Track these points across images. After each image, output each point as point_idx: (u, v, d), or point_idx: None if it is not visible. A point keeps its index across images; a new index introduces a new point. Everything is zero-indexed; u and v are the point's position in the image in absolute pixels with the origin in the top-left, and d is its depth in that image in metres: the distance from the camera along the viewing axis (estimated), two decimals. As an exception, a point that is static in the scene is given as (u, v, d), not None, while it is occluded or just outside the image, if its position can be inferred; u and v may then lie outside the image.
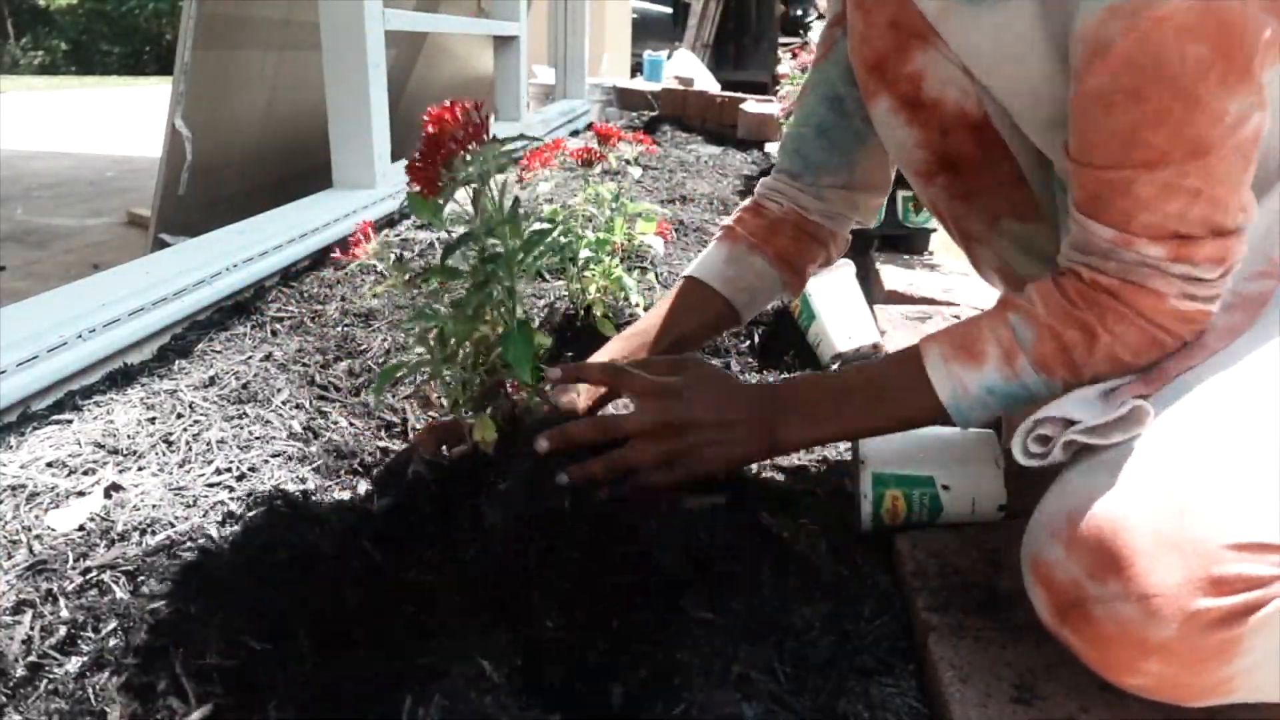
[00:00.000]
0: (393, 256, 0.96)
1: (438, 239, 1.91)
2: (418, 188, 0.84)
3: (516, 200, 0.90)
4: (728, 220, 1.18)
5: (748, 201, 1.18)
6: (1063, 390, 0.76)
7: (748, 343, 1.48)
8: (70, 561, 0.82)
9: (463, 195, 0.88)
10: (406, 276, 0.96)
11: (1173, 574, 0.57)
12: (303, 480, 0.99)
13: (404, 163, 0.85)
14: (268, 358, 1.28)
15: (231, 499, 0.94)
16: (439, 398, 1.08)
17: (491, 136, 0.84)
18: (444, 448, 0.97)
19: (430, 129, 0.81)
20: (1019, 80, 0.80)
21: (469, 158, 0.83)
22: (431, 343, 0.92)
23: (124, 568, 0.81)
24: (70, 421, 1.08)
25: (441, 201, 0.86)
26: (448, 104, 0.82)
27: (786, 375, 1.31)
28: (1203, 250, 0.69)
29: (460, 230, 0.88)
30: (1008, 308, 0.80)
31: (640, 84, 5.08)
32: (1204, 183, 0.68)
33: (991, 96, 0.84)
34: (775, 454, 0.92)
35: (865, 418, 0.87)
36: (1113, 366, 0.75)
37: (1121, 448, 0.67)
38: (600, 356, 1.05)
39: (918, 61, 0.87)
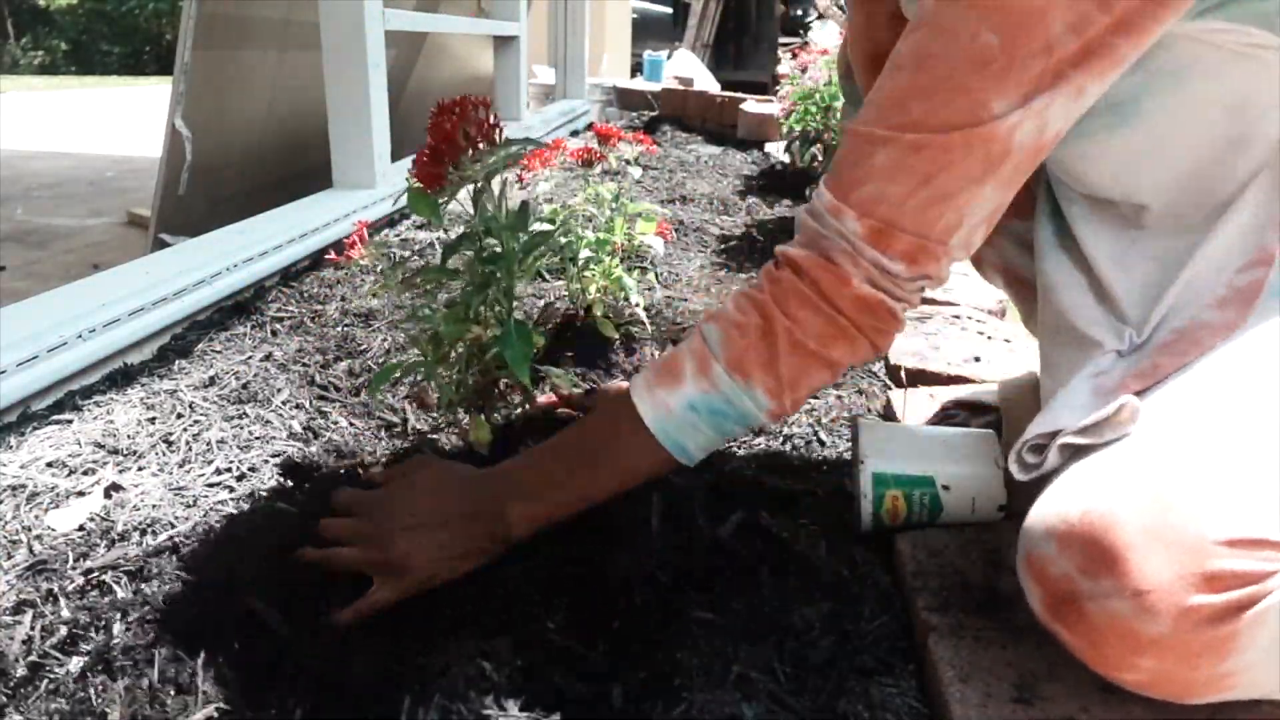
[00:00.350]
0: (388, 260, 0.96)
1: (437, 239, 1.91)
2: (419, 184, 0.84)
3: (525, 204, 0.90)
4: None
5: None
6: (769, 401, 0.74)
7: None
8: (70, 561, 0.82)
9: (463, 195, 0.88)
10: (401, 278, 0.96)
11: (1165, 570, 0.56)
12: (303, 481, 0.99)
13: (404, 163, 0.85)
14: (268, 358, 1.28)
15: (231, 499, 0.94)
16: (437, 398, 1.08)
17: (504, 138, 0.84)
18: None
19: (443, 124, 0.81)
20: None
21: (477, 157, 0.83)
22: (426, 344, 0.93)
23: (125, 568, 0.81)
24: (70, 421, 1.08)
25: (443, 200, 0.86)
26: (457, 100, 0.82)
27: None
28: (900, 243, 0.68)
29: (459, 230, 0.88)
30: (704, 320, 0.78)
31: (640, 84, 5.08)
32: (936, 171, 0.66)
33: None
34: (509, 542, 0.81)
35: (592, 474, 0.80)
36: (804, 360, 0.73)
37: (1114, 445, 0.66)
38: None
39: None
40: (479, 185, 0.86)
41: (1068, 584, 0.61)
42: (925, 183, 0.66)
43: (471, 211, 0.90)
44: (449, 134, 0.81)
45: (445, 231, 0.89)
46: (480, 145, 0.82)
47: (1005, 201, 0.70)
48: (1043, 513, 0.65)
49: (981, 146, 0.65)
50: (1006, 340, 1.49)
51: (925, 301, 1.67)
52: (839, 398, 1.26)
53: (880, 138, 0.68)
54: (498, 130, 0.84)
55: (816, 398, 1.26)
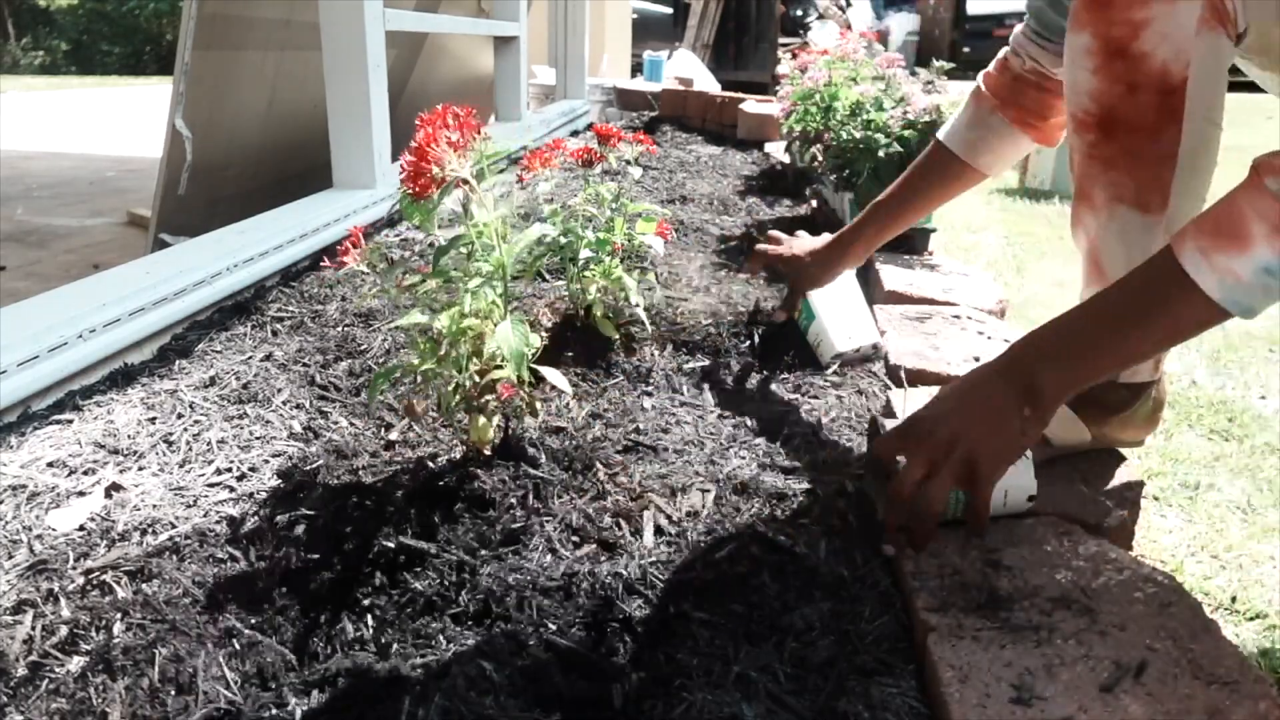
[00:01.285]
0: (383, 264, 0.96)
1: (434, 239, 1.91)
2: (411, 190, 0.85)
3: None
4: (979, 77, 1.20)
5: (1000, 54, 1.19)
6: None
7: (748, 343, 1.48)
8: (71, 561, 0.82)
9: (459, 196, 0.89)
10: (396, 280, 0.96)
11: None
12: (301, 484, 0.99)
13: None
14: (268, 358, 1.28)
15: (232, 499, 0.94)
16: (427, 406, 1.08)
17: (485, 142, 0.85)
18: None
19: (423, 134, 0.82)
20: None
21: (457, 163, 0.84)
22: (422, 346, 0.93)
23: (125, 568, 0.81)
24: (71, 421, 1.08)
25: (432, 205, 0.86)
26: (437, 111, 0.83)
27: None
28: None
29: (455, 232, 0.89)
30: (1265, 173, 0.69)
31: (640, 84, 5.08)
32: None
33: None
34: (1044, 411, 0.80)
35: (1129, 341, 0.77)
36: None
37: None
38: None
39: (1151, 9, 0.85)
40: (468, 189, 0.87)
41: None
42: None
43: (462, 214, 0.91)
44: (425, 144, 0.82)
45: (434, 236, 0.90)
46: (460, 151, 0.83)
47: None
48: None
49: None
50: (1006, 341, 1.49)
51: (926, 301, 1.67)
52: (839, 398, 1.26)
53: None
54: (478, 135, 0.85)
55: (816, 398, 1.26)
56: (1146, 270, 0.77)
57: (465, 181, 0.86)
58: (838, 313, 1.42)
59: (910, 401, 1.21)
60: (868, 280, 1.80)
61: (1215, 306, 0.71)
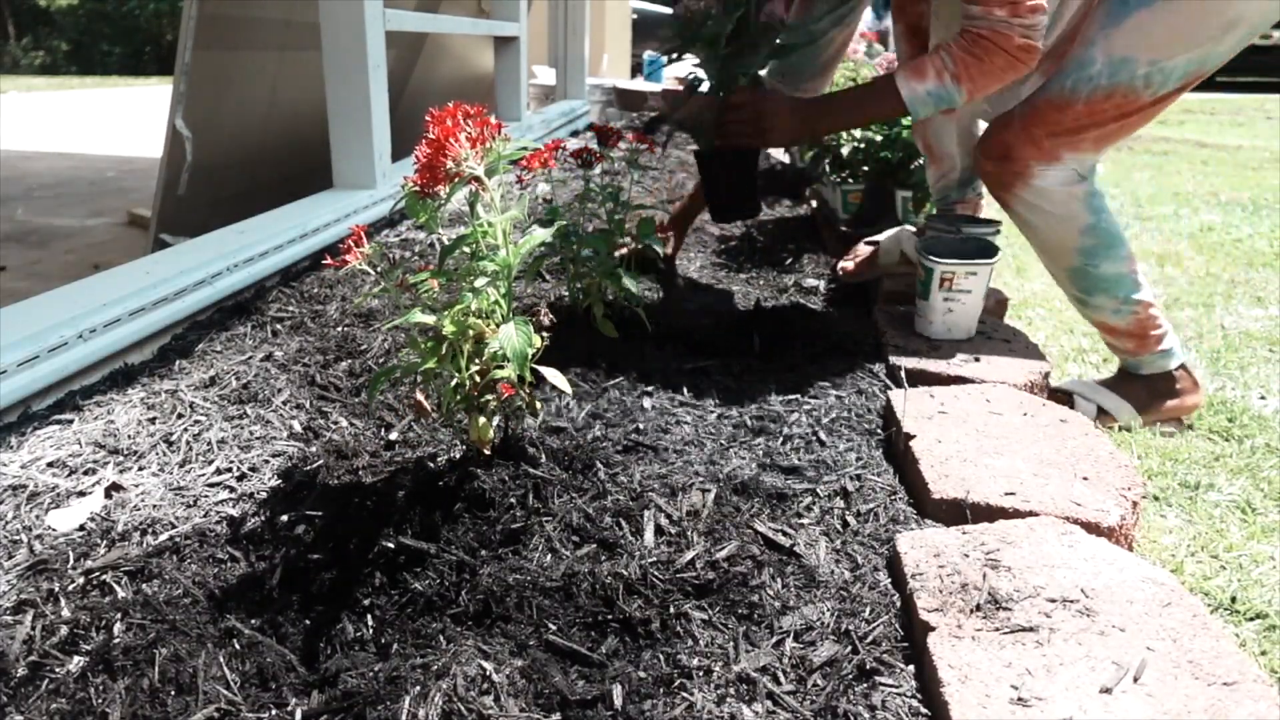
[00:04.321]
0: (385, 264, 0.96)
1: (437, 239, 1.91)
2: (416, 188, 0.85)
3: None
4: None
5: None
6: (965, 97, 1.42)
7: (748, 343, 1.48)
8: (71, 561, 0.82)
9: (462, 196, 0.88)
10: (399, 279, 0.96)
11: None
12: (301, 485, 0.99)
13: (405, 162, 0.85)
14: (268, 358, 1.28)
15: (232, 499, 0.94)
16: (433, 404, 1.08)
17: (503, 139, 0.85)
18: None
19: (438, 129, 0.82)
20: None
21: (470, 160, 0.83)
22: (424, 345, 0.93)
23: (125, 568, 0.81)
24: (71, 421, 1.08)
25: (438, 203, 0.86)
26: (449, 109, 0.82)
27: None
28: (1024, 6, 1.34)
29: (459, 231, 0.89)
30: (939, 50, 1.42)
31: (640, 84, 5.08)
32: None
33: None
34: (814, 134, 1.61)
35: (855, 113, 1.57)
36: (989, 80, 1.40)
37: None
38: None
39: None
40: (475, 188, 0.87)
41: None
42: None
43: (469, 212, 0.90)
44: (443, 137, 0.82)
45: (438, 236, 0.90)
46: (477, 148, 0.83)
47: None
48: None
49: None
50: (1006, 341, 1.49)
51: (925, 302, 1.67)
52: (839, 398, 1.26)
53: None
54: (498, 134, 0.85)
55: (816, 398, 1.27)
56: (876, 82, 1.51)
57: (477, 179, 0.86)
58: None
59: (910, 402, 1.21)
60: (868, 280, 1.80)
61: (903, 105, 1.44)
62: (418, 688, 0.67)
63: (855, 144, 2.25)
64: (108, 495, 0.93)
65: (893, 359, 1.38)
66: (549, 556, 0.85)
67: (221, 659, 0.73)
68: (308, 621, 0.79)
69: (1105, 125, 1.45)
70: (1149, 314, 1.52)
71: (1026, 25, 1.37)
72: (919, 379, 1.33)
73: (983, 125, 1.83)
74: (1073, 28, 1.52)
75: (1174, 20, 1.38)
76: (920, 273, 1.47)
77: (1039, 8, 1.37)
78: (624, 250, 1.57)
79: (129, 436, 1.04)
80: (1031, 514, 0.94)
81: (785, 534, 0.90)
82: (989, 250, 1.48)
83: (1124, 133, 1.47)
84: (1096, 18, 1.45)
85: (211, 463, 1.00)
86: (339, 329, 1.41)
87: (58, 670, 0.70)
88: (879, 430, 1.18)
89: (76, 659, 0.71)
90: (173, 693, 0.69)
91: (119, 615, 0.75)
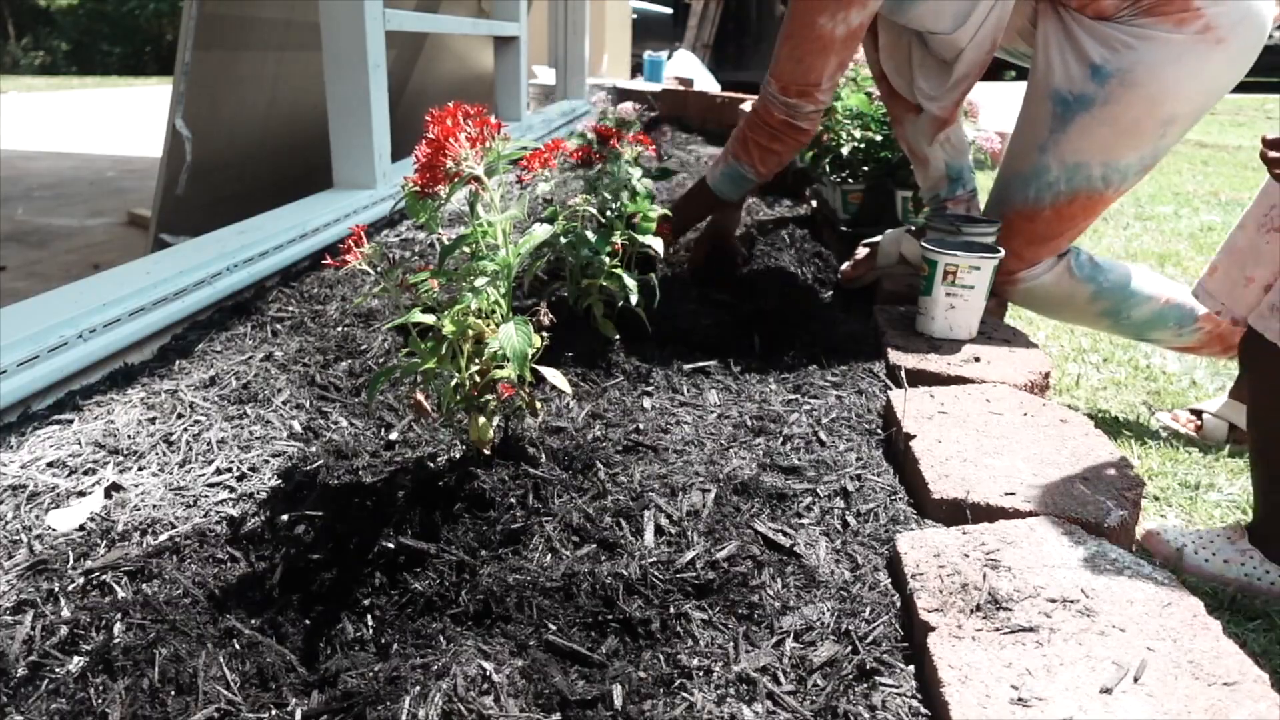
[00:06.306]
0: (385, 264, 0.96)
1: (437, 239, 1.91)
2: (416, 188, 0.85)
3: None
4: None
5: None
6: (752, 171, 1.64)
7: (748, 343, 1.48)
8: (71, 561, 0.82)
9: (462, 196, 0.88)
10: (398, 280, 0.96)
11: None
12: (301, 485, 0.99)
13: (405, 162, 0.85)
14: (268, 358, 1.28)
15: (232, 499, 0.94)
16: (433, 404, 1.08)
17: (503, 137, 0.85)
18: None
19: (438, 129, 0.82)
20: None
21: (470, 160, 0.83)
22: (424, 345, 0.93)
23: (125, 568, 0.81)
24: (71, 421, 1.08)
25: (438, 203, 0.86)
26: (449, 108, 0.82)
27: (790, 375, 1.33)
28: (793, 88, 1.48)
29: (459, 231, 0.89)
30: (732, 139, 1.65)
31: (640, 84, 5.08)
32: (803, 54, 1.48)
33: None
34: (679, 230, 1.83)
35: (687, 209, 1.78)
36: (760, 152, 1.59)
37: None
38: None
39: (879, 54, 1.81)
40: (475, 188, 0.87)
41: None
42: (796, 64, 1.49)
43: (469, 212, 0.90)
44: (443, 136, 0.82)
45: (437, 236, 0.90)
46: (477, 148, 0.83)
47: (847, 61, 1.51)
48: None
49: (822, 40, 1.45)
50: (1006, 341, 1.49)
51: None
52: (839, 398, 1.26)
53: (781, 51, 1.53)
54: (498, 134, 0.85)
55: (816, 398, 1.26)
56: (700, 184, 1.75)
57: (477, 179, 0.86)
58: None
59: (910, 402, 1.21)
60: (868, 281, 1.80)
61: (714, 193, 1.70)
62: (418, 688, 0.67)
63: (855, 144, 2.25)
64: (108, 495, 0.93)
65: (893, 359, 1.38)
66: (549, 556, 0.85)
67: (221, 659, 0.72)
68: (308, 621, 0.79)
69: (1076, 224, 1.54)
70: (1216, 322, 1.53)
71: (789, 104, 1.49)
72: (919, 379, 1.33)
73: (965, 123, 1.97)
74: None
75: (1115, 124, 1.43)
76: (923, 269, 1.47)
77: (808, 94, 1.47)
78: (624, 250, 1.57)
79: (129, 436, 1.04)
80: (1031, 514, 0.94)
81: (785, 534, 0.90)
82: (990, 251, 1.48)
83: (1093, 221, 1.58)
84: (1044, 122, 1.50)
85: (211, 463, 1.00)
86: (339, 329, 1.41)
87: (58, 670, 0.70)
88: (879, 430, 1.18)
89: (76, 659, 0.71)
90: (173, 693, 0.69)
91: (119, 615, 0.75)
